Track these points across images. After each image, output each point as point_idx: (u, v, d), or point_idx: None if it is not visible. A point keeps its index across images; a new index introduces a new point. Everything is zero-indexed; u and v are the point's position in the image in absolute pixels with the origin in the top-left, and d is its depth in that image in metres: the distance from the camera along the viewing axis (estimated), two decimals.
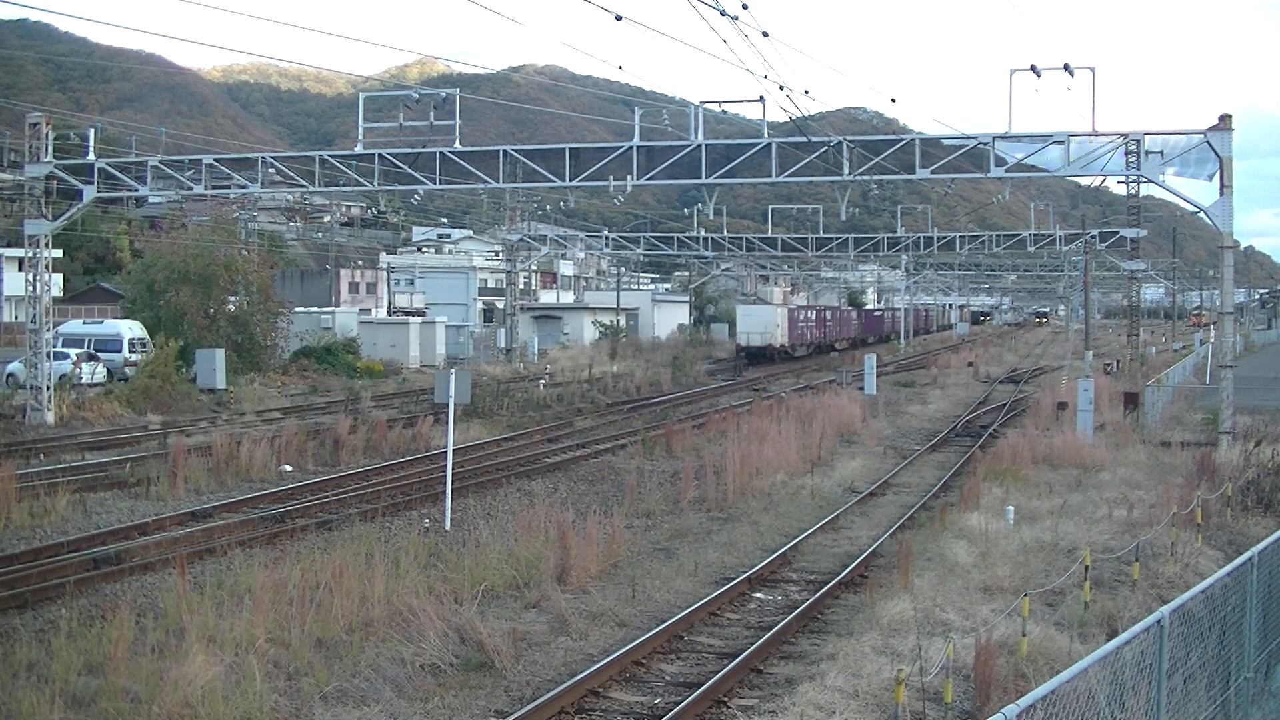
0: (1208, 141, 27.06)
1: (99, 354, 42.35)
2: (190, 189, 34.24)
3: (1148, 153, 27.63)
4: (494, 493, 23.57)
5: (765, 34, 19.92)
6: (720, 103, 30.50)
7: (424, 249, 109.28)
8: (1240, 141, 27.86)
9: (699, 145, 29.94)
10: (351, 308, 74.92)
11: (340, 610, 13.57)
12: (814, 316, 75.01)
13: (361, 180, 32.55)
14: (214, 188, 35.04)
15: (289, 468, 26.00)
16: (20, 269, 46.27)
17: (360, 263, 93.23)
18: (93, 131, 36.56)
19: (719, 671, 12.38)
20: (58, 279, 56.60)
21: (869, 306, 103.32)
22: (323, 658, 12.55)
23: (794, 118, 24.94)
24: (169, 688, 10.93)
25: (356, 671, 12.22)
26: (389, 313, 77.80)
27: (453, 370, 23.36)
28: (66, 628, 12.95)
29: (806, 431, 29.98)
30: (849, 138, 29.77)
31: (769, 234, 70.77)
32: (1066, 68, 27.30)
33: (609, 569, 17.02)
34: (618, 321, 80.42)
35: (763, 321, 65.57)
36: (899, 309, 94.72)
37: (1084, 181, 61.05)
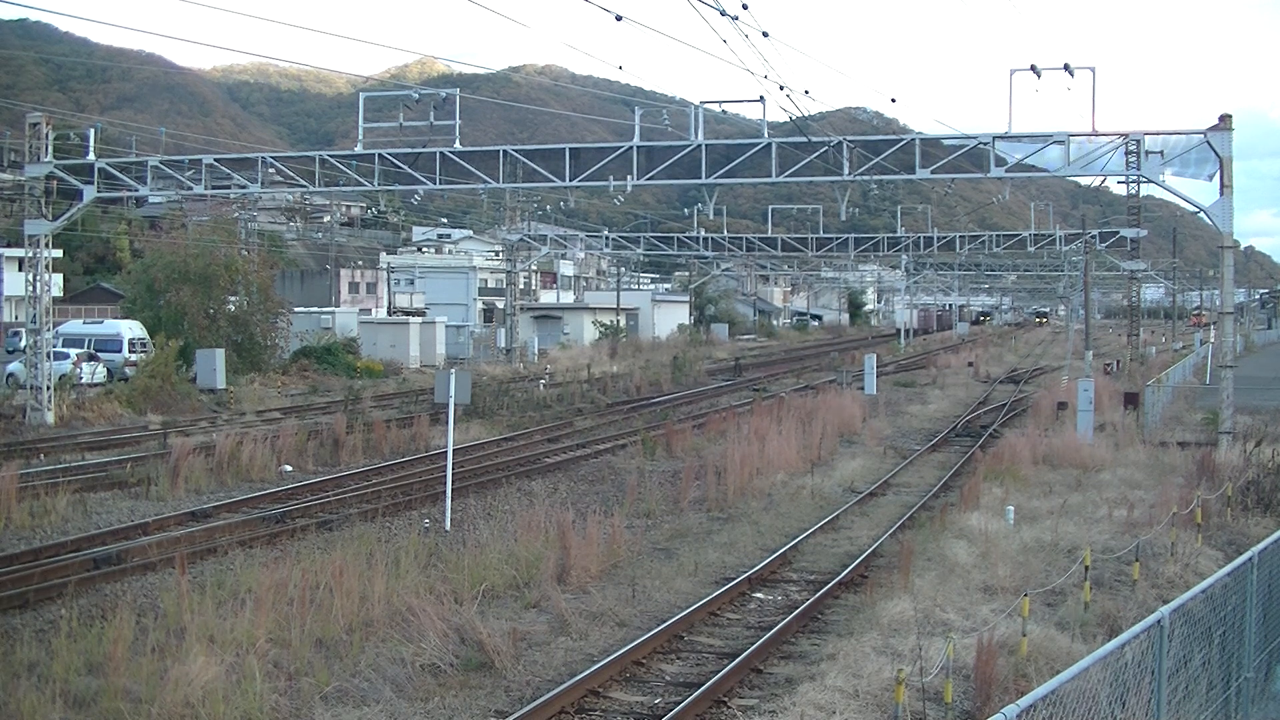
0: (1208, 141, 27.05)
1: (99, 354, 42.35)
2: (190, 189, 34.24)
3: (1148, 153, 27.61)
4: (494, 493, 23.55)
5: (765, 34, 19.92)
6: (720, 103, 30.47)
7: (424, 249, 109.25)
8: (1240, 142, 27.81)
9: (699, 145, 29.92)
10: (351, 308, 74.95)
11: (340, 610, 13.57)
12: (923, 315, 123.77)
13: (361, 180, 32.54)
14: (214, 188, 35.02)
15: (289, 468, 26.00)
16: (20, 269, 46.16)
17: (360, 263, 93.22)
18: (93, 131, 36.51)
19: (719, 671, 12.37)
20: (58, 279, 56.48)
21: (935, 308, 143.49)
22: (323, 658, 12.55)
23: (794, 118, 24.93)
24: (169, 688, 10.92)
25: (356, 671, 12.22)
26: (389, 313, 77.76)
27: (453, 370, 23.34)
28: (67, 628, 12.92)
29: (807, 431, 29.96)
30: (849, 138, 29.74)
31: (769, 234, 70.78)
32: (1066, 68, 27.28)
33: (609, 569, 17.01)
34: (618, 321, 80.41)
35: (905, 316, 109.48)
36: (955, 307, 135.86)
37: (1084, 181, 61.02)
